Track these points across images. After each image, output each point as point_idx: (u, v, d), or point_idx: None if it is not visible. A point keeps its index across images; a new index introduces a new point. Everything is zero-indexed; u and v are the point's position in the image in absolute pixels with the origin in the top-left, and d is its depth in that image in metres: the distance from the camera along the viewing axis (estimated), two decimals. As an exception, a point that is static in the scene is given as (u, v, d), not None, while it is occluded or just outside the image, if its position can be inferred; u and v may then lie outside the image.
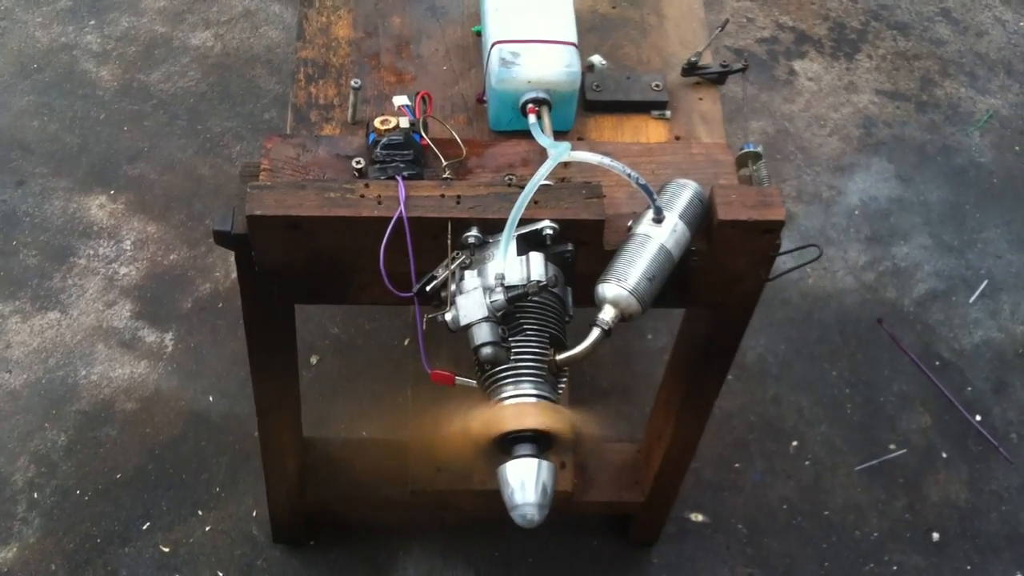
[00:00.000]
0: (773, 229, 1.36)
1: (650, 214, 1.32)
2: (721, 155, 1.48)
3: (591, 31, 1.65)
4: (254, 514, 2.17)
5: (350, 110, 1.49)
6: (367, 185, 1.32)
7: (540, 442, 1.22)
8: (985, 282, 2.62)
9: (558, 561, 2.18)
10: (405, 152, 1.36)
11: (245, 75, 2.79)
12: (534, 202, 1.31)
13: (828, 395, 2.43)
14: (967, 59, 3.01)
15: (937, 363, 2.48)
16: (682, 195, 1.34)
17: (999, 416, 2.42)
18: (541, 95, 1.46)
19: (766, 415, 2.39)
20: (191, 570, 2.10)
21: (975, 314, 2.57)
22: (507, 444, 1.23)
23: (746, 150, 1.49)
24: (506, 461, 1.23)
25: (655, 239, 1.30)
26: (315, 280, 1.40)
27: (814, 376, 2.45)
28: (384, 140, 1.36)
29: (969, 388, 2.46)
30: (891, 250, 2.65)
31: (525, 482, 1.20)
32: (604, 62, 1.59)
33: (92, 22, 2.85)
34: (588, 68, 1.58)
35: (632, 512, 2.12)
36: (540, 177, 1.28)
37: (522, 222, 1.29)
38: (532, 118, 1.44)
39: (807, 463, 2.34)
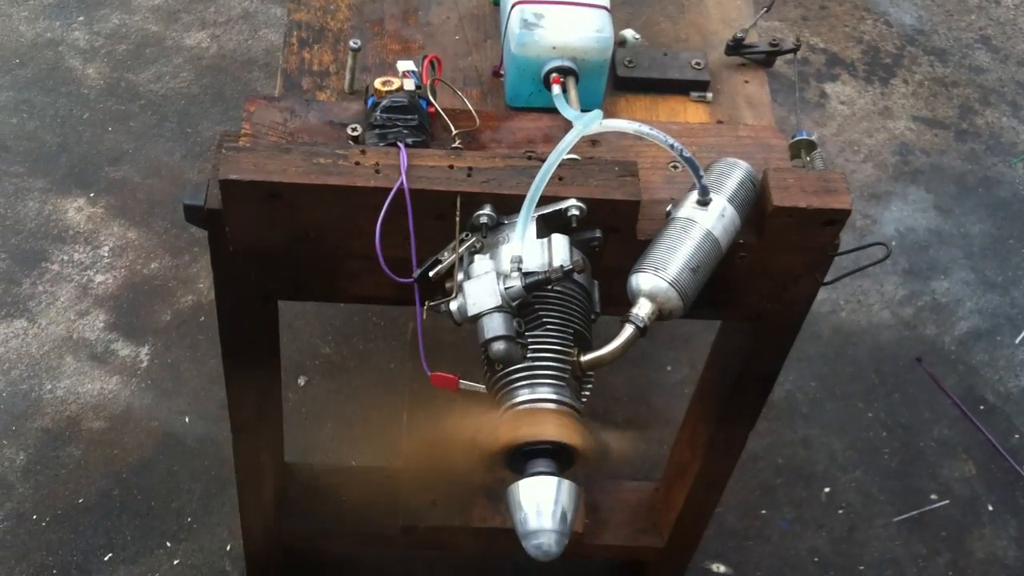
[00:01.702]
0: (837, 220, 1.17)
1: (694, 196, 1.12)
2: (773, 139, 1.30)
3: (622, 4, 1.46)
4: (228, 548, 1.96)
5: (347, 76, 1.30)
6: (363, 152, 1.13)
7: (560, 458, 1.01)
8: (1032, 322, 2.42)
9: (563, 612, 1.96)
10: (409, 117, 1.17)
11: (241, 78, 2.62)
12: (558, 178, 1.12)
13: (863, 438, 2.22)
14: (1008, 88, 2.84)
15: (981, 407, 2.28)
16: (733, 175, 1.15)
17: (1050, 467, 2.21)
18: (567, 64, 1.27)
19: (795, 458, 2.19)
20: (154, 608, 1.88)
21: (1022, 356, 2.37)
22: (520, 459, 1.02)
23: (800, 137, 1.31)
24: (519, 479, 1.01)
25: (700, 224, 1.10)
26: (297, 266, 1.21)
27: (848, 417, 2.25)
28: (385, 102, 1.17)
29: (1016, 436, 2.26)
30: (931, 284, 2.46)
31: (542, 505, 0.98)
32: (638, 36, 1.40)
33: (81, 18, 2.69)
34: (620, 43, 1.39)
35: (648, 559, 1.90)
36: (566, 147, 1.08)
37: (543, 201, 1.10)
38: (556, 88, 1.25)
39: (840, 512, 2.12)
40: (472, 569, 1.98)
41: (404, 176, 1.09)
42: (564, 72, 1.27)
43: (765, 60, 1.42)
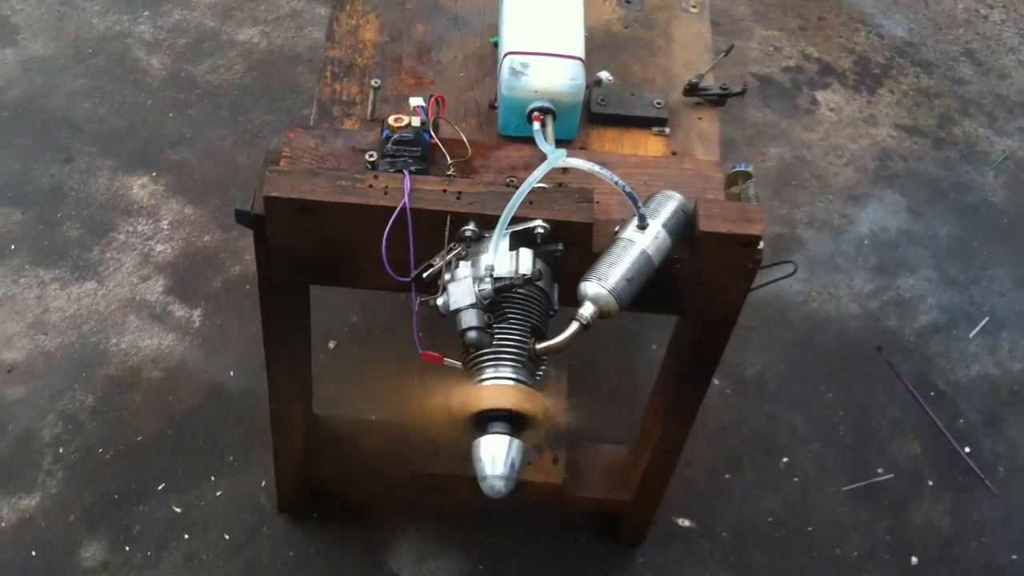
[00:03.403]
0: (751, 243, 1.46)
1: (635, 221, 1.42)
2: (712, 172, 1.59)
3: (602, 48, 1.75)
4: (263, 484, 2.28)
5: (369, 107, 1.61)
6: (376, 176, 1.44)
7: (514, 422, 1.33)
8: (986, 318, 2.68)
9: (547, 553, 2.28)
10: (414, 149, 1.47)
11: (287, 72, 2.93)
12: (529, 202, 1.42)
13: (822, 415, 2.50)
14: (988, 100, 3.08)
15: (932, 393, 2.55)
16: (667, 205, 1.44)
17: (988, 449, 2.48)
18: (546, 104, 1.57)
19: (760, 430, 2.47)
20: (200, 531, 2.22)
21: (974, 349, 2.63)
22: (483, 421, 1.34)
23: (737, 169, 1.59)
24: (481, 437, 1.33)
25: (637, 244, 1.40)
26: (323, 263, 1.52)
27: (810, 396, 2.53)
28: (396, 136, 1.48)
29: (961, 420, 2.52)
30: (897, 281, 2.72)
31: (495, 457, 1.31)
32: (611, 78, 1.69)
33: (146, 13, 3.01)
34: (596, 83, 1.69)
35: (620, 511, 2.22)
36: (534, 179, 1.39)
37: (517, 220, 1.40)
38: (536, 125, 1.55)
39: (796, 479, 2.41)
40: (471, 513, 2.28)
41: (407, 198, 1.40)
42: (544, 111, 1.57)
43: (718, 100, 1.71)
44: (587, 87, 1.64)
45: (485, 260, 1.37)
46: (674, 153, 1.66)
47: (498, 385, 1.33)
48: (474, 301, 1.35)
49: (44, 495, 2.24)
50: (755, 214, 1.47)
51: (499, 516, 2.29)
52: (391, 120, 1.50)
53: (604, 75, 1.70)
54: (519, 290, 1.37)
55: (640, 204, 1.40)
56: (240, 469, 2.31)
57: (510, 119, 1.61)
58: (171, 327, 2.48)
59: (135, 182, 2.70)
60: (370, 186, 1.43)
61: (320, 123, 1.61)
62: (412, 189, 1.42)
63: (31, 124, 2.77)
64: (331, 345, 2.50)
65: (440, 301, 1.37)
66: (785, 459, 2.44)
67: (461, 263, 1.40)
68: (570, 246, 1.45)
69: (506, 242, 1.39)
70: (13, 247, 2.56)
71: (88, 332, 2.47)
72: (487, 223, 1.42)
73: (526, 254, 1.39)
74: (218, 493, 2.28)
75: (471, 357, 1.37)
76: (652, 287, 1.45)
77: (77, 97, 2.84)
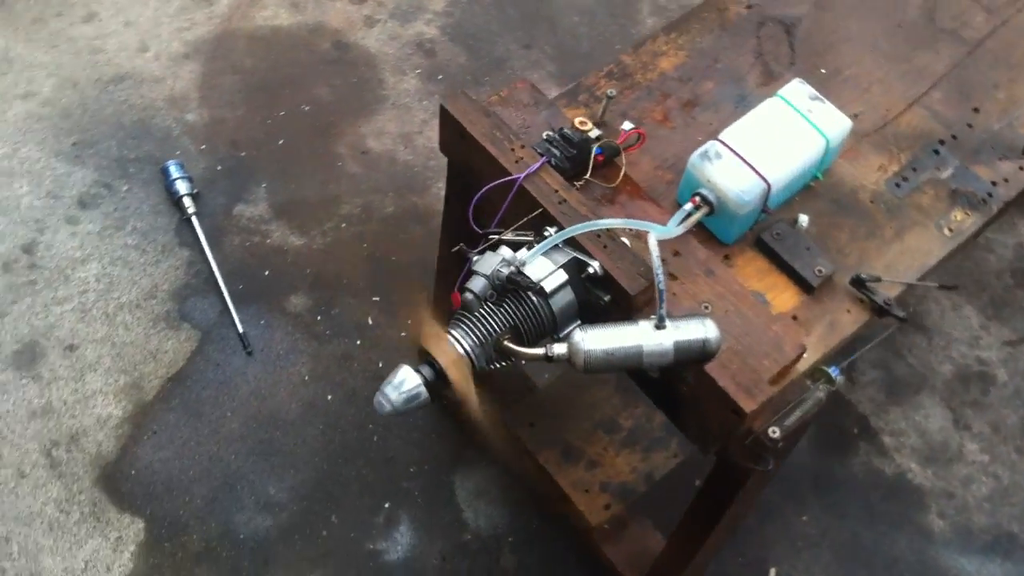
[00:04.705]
0: (739, 413, 1.46)
1: (657, 317, 1.49)
2: (790, 348, 1.57)
3: (833, 202, 1.76)
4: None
5: (600, 110, 1.78)
6: (523, 147, 1.63)
7: (438, 376, 1.50)
8: None
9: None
10: (570, 148, 1.64)
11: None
12: (603, 245, 1.54)
13: None
14: None
15: None
16: (692, 329, 1.47)
17: None
18: (708, 196, 1.64)
19: None
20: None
21: None
22: (423, 357, 1.52)
23: (827, 369, 1.56)
24: (407, 365, 1.52)
25: (639, 337, 1.47)
26: (464, 178, 1.74)
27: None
28: (566, 130, 1.65)
29: None
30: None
31: (402, 383, 1.48)
32: (805, 224, 1.71)
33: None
34: (792, 221, 1.71)
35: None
36: (606, 223, 1.51)
37: (580, 250, 1.54)
38: (688, 205, 1.64)
39: None
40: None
41: (522, 175, 1.59)
42: (704, 200, 1.65)
43: (874, 307, 1.65)
44: (764, 211, 1.67)
45: (523, 256, 1.53)
46: (794, 317, 1.65)
47: (445, 339, 1.51)
48: (488, 274, 1.52)
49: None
50: (763, 392, 1.46)
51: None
52: (577, 121, 1.67)
53: (803, 218, 1.71)
54: (530, 295, 1.52)
55: (663, 305, 1.46)
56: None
57: (684, 190, 1.70)
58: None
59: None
60: (512, 149, 1.63)
61: (572, 97, 1.82)
62: (535, 173, 1.60)
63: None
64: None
65: (476, 259, 1.55)
66: None
67: (507, 248, 1.55)
68: (613, 299, 1.55)
69: (558, 257, 1.54)
70: None
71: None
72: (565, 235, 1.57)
73: (558, 275, 1.52)
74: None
75: (456, 311, 1.55)
76: (666, 392, 1.52)
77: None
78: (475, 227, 1.63)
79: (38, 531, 2.39)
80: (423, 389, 1.50)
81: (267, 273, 2.78)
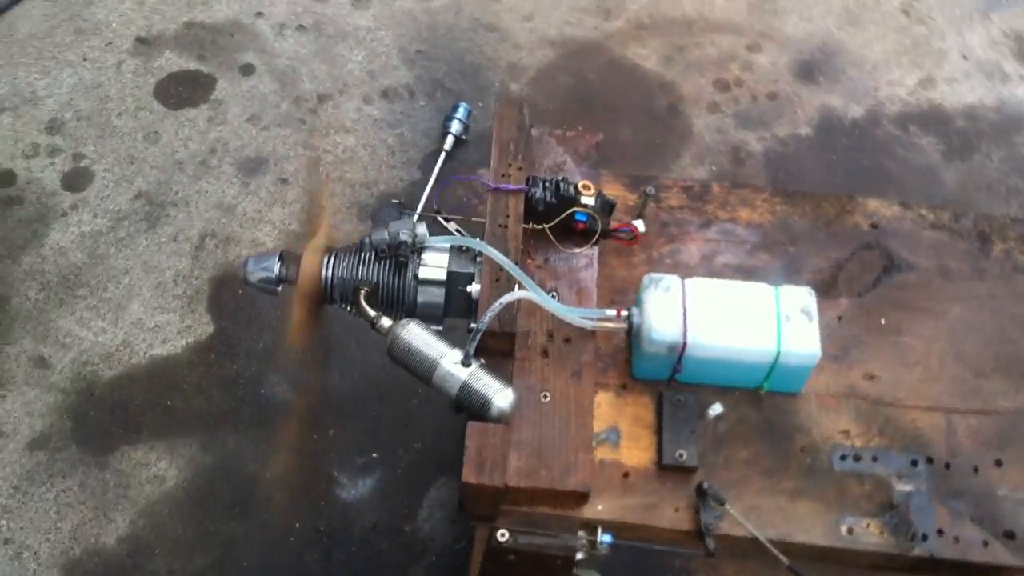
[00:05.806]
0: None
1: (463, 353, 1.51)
2: (574, 480, 1.47)
3: (766, 423, 1.60)
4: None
5: (640, 203, 1.76)
6: (520, 169, 1.68)
7: (289, 281, 1.63)
8: None
9: None
10: (557, 195, 1.65)
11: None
12: (495, 280, 1.56)
13: None
14: None
15: None
16: (488, 385, 1.49)
17: None
18: (633, 316, 1.58)
19: None
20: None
21: None
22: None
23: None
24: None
25: (442, 357, 1.50)
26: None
27: None
28: (560, 179, 1.67)
29: None
30: None
31: (266, 260, 1.63)
32: (713, 414, 1.58)
33: None
34: (706, 403, 1.59)
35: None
36: (493, 252, 1.57)
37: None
38: (612, 311, 1.59)
39: None
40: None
41: (492, 184, 1.64)
42: (627, 315, 1.58)
43: (694, 523, 1.49)
44: (675, 370, 1.58)
45: (427, 239, 1.60)
46: (626, 475, 1.54)
47: (319, 256, 1.62)
48: (391, 231, 1.59)
49: None
50: (493, 480, 1.41)
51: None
52: (581, 184, 1.67)
53: (716, 407, 1.58)
54: (406, 272, 1.58)
55: (473, 343, 1.48)
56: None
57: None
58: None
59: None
60: (509, 164, 1.68)
61: (627, 175, 1.83)
62: (506, 190, 1.64)
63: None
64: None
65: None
66: None
67: (424, 225, 1.62)
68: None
69: (461, 263, 1.59)
70: None
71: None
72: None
73: (438, 272, 1.59)
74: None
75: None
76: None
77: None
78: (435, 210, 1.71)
79: (147, 281, 2.81)
80: (273, 276, 1.62)
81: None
